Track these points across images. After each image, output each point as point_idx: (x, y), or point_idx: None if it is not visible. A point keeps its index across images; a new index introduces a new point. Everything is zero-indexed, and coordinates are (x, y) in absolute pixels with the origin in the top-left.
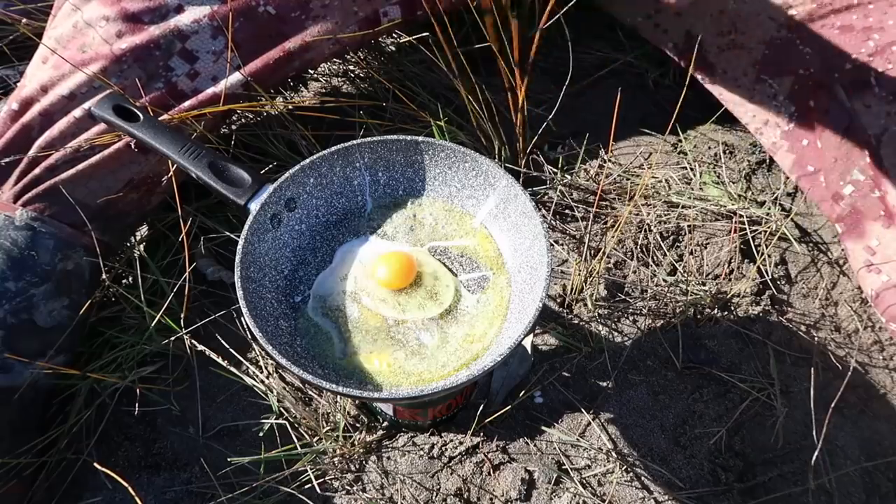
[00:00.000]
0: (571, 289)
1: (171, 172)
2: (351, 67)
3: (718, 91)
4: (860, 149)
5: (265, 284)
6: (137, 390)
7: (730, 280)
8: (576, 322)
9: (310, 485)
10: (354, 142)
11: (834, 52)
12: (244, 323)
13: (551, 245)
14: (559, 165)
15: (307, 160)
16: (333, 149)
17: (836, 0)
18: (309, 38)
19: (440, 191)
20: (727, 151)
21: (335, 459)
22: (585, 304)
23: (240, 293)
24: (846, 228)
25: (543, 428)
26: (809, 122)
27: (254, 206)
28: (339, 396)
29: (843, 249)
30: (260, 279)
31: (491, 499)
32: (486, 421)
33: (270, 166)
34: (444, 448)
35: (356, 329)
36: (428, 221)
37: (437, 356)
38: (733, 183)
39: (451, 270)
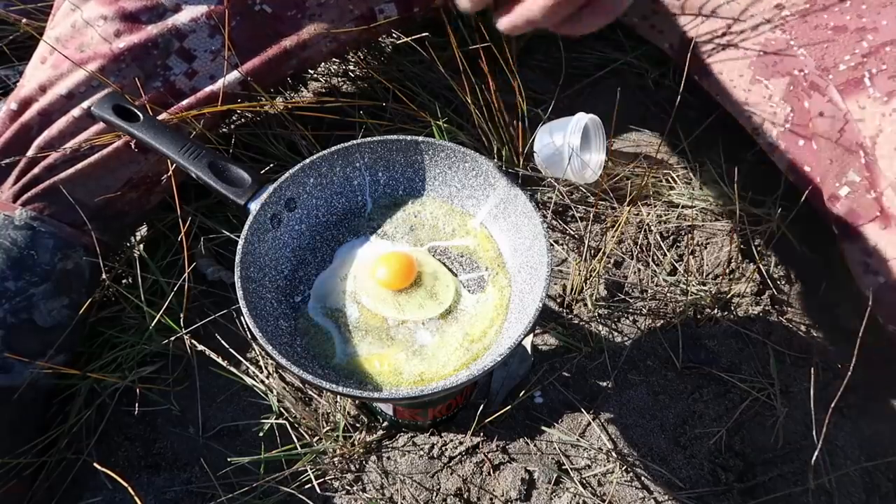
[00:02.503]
0: (571, 289)
1: (171, 172)
2: (350, 67)
3: (715, 92)
4: (855, 150)
5: (265, 284)
6: (137, 390)
7: (730, 280)
8: (576, 322)
9: (310, 485)
10: (354, 142)
11: (828, 53)
12: (244, 323)
13: (551, 245)
14: None
15: (307, 160)
16: (333, 149)
17: None
18: (306, 36)
19: (440, 191)
20: (727, 151)
21: (335, 459)
22: (585, 304)
23: (240, 293)
24: (843, 229)
25: (543, 428)
26: (804, 124)
27: (254, 206)
28: (339, 396)
29: (840, 250)
30: (260, 279)
31: (491, 499)
32: (486, 421)
33: (270, 166)
34: (444, 448)
35: (356, 329)
36: (428, 221)
37: (437, 356)
38: (733, 183)
39: (451, 270)
